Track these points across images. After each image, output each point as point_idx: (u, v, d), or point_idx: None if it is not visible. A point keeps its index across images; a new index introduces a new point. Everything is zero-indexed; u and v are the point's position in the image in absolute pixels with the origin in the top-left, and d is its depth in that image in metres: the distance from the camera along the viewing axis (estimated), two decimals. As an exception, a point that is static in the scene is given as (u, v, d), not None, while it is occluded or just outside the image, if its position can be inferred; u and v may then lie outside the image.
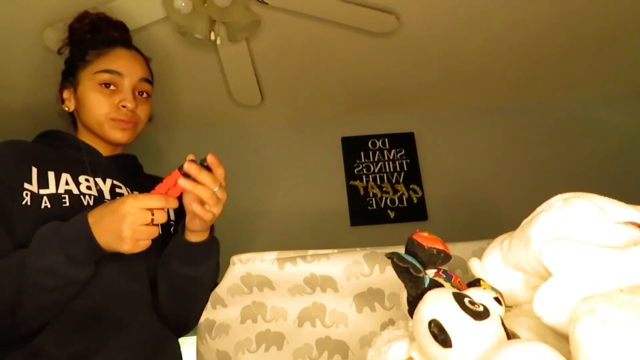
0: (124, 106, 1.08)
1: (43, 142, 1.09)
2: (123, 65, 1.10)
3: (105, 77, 1.08)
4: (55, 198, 0.94)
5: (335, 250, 0.86)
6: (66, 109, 1.15)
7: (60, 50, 1.24)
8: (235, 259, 0.90)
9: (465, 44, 2.01)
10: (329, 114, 2.48)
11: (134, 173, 1.19)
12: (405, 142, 2.48)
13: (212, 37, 1.61)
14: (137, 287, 0.95)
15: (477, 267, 0.62)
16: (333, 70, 2.13)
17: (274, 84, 2.18)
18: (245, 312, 0.86)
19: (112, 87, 1.08)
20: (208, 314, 0.91)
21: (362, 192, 2.40)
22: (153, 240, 0.85)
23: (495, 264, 0.60)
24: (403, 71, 2.17)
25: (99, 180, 1.05)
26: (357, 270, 0.83)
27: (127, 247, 0.80)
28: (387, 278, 0.81)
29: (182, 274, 0.97)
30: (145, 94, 1.14)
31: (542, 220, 0.53)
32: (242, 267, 0.87)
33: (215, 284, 0.97)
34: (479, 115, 2.50)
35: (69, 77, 1.15)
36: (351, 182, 2.42)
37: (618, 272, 0.46)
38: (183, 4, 1.47)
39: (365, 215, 2.36)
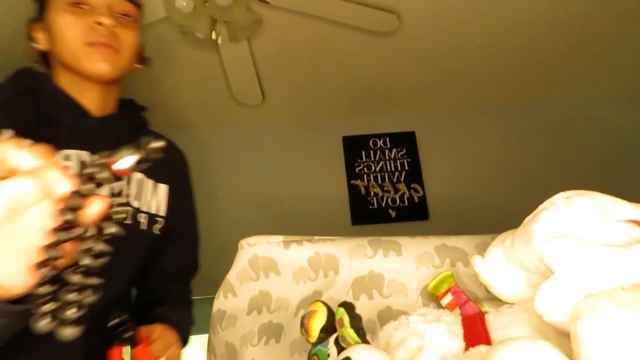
0: (99, 24, 0.87)
1: (18, 90, 0.86)
2: None
3: None
4: None
5: (341, 237, 0.88)
6: (39, 46, 0.93)
7: None
8: (243, 242, 0.90)
9: (466, 43, 2.01)
10: (330, 113, 2.48)
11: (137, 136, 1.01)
12: (406, 141, 2.48)
13: (214, 36, 1.61)
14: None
15: (479, 265, 0.62)
16: (334, 69, 2.13)
17: (275, 84, 2.18)
18: (252, 303, 0.86)
19: (84, 7, 0.88)
20: (220, 304, 0.91)
21: (363, 191, 2.40)
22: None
23: (498, 261, 0.60)
24: (404, 70, 2.17)
25: (84, 154, 0.83)
26: (360, 252, 0.84)
27: None
28: (390, 263, 0.82)
29: None
30: (127, 17, 0.92)
31: (544, 218, 0.53)
32: (249, 249, 0.88)
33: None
34: (480, 115, 2.50)
35: (39, 10, 0.94)
36: (352, 182, 2.42)
37: (620, 270, 0.46)
38: (184, 4, 1.47)
39: (367, 214, 2.36)
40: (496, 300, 0.63)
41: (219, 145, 2.45)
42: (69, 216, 0.37)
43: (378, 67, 2.14)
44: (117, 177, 0.39)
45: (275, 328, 0.82)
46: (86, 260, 0.38)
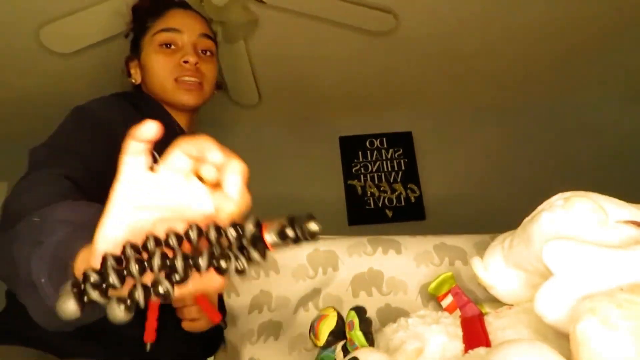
0: (185, 62, 1.01)
1: (126, 104, 0.96)
2: (180, 22, 1.05)
3: (164, 36, 1.02)
4: None
5: (341, 236, 0.88)
6: (133, 81, 1.09)
7: (127, 34, 1.18)
8: None
9: (464, 43, 2.01)
10: (326, 113, 2.47)
11: None
12: (403, 141, 2.48)
13: (210, 36, 1.60)
14: None
15: (478, 266, 0.62)
16: (331, 69, 2.12)
17: (272, 84, 2.18)
18: (254, 302, 0.87)
19: (172, 47, 1.03)
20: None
21: (360, 191, 2.40)
22: None
23: (497, 263, 0.60)
24: (401, 70, 2.17)
25: None
26: (360, 249, 0.84)
27: None
28: (389, 261, 0.82)
29: None
30: (208, 52, 1.07)
31: (543, 220, 0.53)
32: None
33: None
34: (476, 115, 2.51)
35: (133, 49, 1.10)
36: (349, 182, 2.42)
37: (618, 271, 0.46)
38: (180, 3, 1.47)
39: (363, 214, 2.36)
40: (497, 301, 0.63)
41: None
42: (193, 236, 0.35)
43: (375, 67, 2.14)
44: (259, 241, 0.35)
45: (274, 326, 0.83)
46: (156, 263, 0.34)
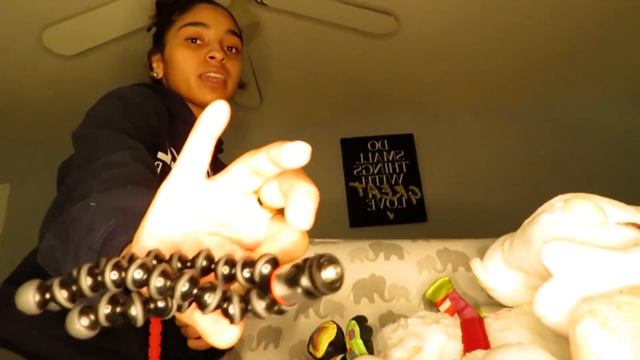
0: (212, 57, 0.98)
1: (153, 92, 0.93)
2: (207, 17, 1.02)
3: (190, 30, 1.00)
4: None
5: (342, 240, 0.87)
6: (155, 75, 1.06)
7: (149, 28, 1.17)
8: None
9: (464, 45, 2.01)
10: (328, 115, 2.48)
11: (215, 158, 1.08)
12: (404, 143, 2.48)
13: (211, 38, 1.60)
14: None
15: (478, 268, 0.62)
16: (332, 71, 2.13)
17: (273, 86, 2.18)
18: None
19: (198, 42, 1.00)
20: None
21: (361, 193, 2.40)
22: None
23: (497, 264, 0.60)
24: (402, 72, 2.17)
25: None
26: (362, 255, 0.83)
27: None
28: (391, 266, 0.81)
29: None
30: (234, 49, 1.04)
31: (543, 221, 0.53)
32: None
33: None
34: (478, 117, 2.51)
35: (157, 43, 1.08)
36: (350, 184, 2.42)
37: (618, 273, 0.46)
38: (182, 6, 1.47)
39: (365, 216, 2.36)
40: (495, 306, 0.63)
41: (216, 147, 2.45)
42: (198, 264, 0.29)
43: (376, 69, 2.14)
44: (267, 291, 0.27)
45: (274, 332, 0.82)
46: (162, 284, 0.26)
